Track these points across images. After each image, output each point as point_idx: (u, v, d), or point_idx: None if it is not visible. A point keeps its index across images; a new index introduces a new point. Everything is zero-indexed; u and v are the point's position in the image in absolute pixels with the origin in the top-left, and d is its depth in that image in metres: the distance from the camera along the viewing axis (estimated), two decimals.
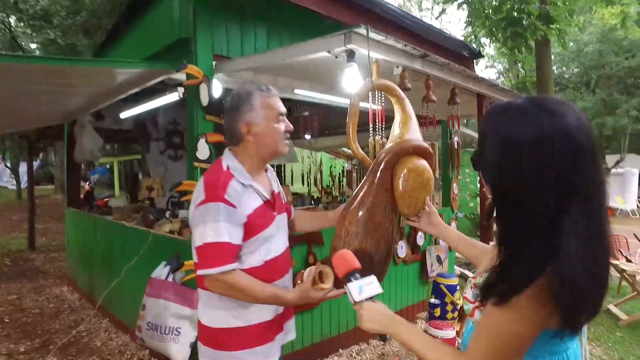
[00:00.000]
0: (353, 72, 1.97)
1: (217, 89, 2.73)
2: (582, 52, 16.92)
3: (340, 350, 3.45)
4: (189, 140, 2.83)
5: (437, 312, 2.66)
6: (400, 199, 1.38)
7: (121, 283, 3.33)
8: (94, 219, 4.38)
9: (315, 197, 6.91)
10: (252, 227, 1.39)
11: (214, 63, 2.77)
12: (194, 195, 1.40)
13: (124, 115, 4.55)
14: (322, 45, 1.98)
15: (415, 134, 1.45)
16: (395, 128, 1.49)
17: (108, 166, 15.19)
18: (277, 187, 1.60)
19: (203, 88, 2.64)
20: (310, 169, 9.48)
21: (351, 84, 1.97)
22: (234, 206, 1.33)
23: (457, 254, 6.86)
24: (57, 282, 5.53)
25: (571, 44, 16.90)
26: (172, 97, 3.53)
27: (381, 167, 1.37)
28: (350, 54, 1.95)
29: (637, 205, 14.29)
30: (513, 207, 0.82)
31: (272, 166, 1.88)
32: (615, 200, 13.45)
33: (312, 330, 3.21)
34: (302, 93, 3.51)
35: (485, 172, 0.90)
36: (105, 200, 6.66)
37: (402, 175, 1.36)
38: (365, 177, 1.42)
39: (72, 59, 3.40)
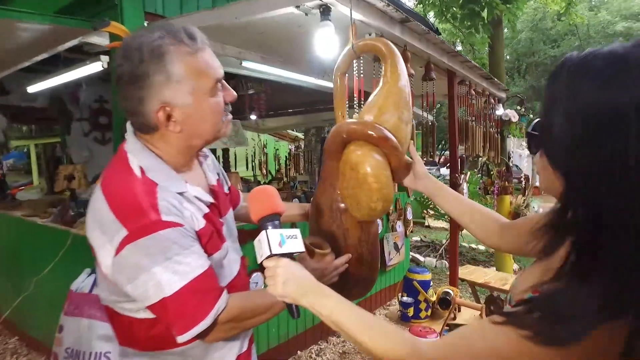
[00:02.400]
0: (328, 33, 1.58)
1: None
2: (515, 40, 17.78)
3: (298, 352, 3.25)
4: (115, 120, 2.31)
5: (411, 311, 2.43)
6: (344, 198, 1.10)
7: (34, 293, 2.74)
8: None
9: (262, 183, 6.49)
10: (204, 248, 0.94)
11: (145, 23, 2.24)
12: (95, 226, 0.89)
13: (32, 89, 3.79)
14: None
15: (395, 111, 1.07)
16: (370, 100, 1.12)
17: (26, 149, 13.56)
18: (214, 174, 1.12)
19: None
20: (255, 152, 8.96)
21: (325, 48, 1.58)
22: (180, 224, 0.88)
23: (413, 238, 6.91)
24: None
25: (505, 30, 17.71)
26: (94, 67, 2.92)
27: (324, 156, 1.11)
28: (325, 10, 1.56)
29: None
30: (612, 206, 0.52)
31: (212, 151, 1.37)
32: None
33: (268, 334, 2.94)
34: (252, 67, 3.07)
35: (559, 153, 0.58)
36: (20, 188, 5.81)
37: (341, 169, 1.09)
38: None
39: None
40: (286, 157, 8.96)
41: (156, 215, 0.85)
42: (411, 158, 1.18)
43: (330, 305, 0.78)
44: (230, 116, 1.01)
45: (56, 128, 7.49)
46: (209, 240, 0.96)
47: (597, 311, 0.52)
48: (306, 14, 1.62)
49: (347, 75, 1.28)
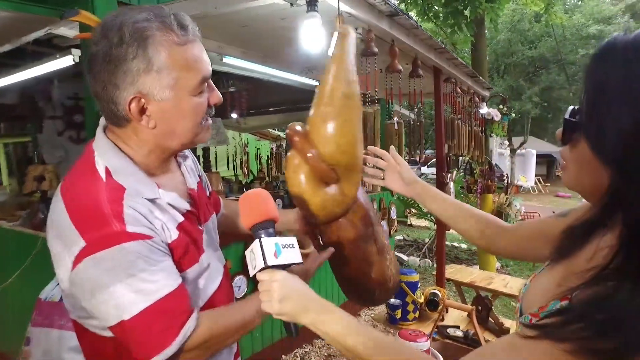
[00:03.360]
0: (315, 25, 1.50)
1: None
2: (495, 40, 18.10)
3: (283, 356, 3.20)
4: (88, 116, 2.17)
5: (398, 313, 2.37)
6: None
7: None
8: None
9: (244, 183, 6.36)
10: (179, 261, 0.85)
11: None
12: (53, 234, 0.80)
13: None
14: None
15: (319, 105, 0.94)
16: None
17: None
18: (194, 178, 1.01)
19: None
20: (236, 152, 8.79)
21: (311, 41, 1.50)
22: (148, 237, 0.78)
23: (397, 237, 6.89)
24: None
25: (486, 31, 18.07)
26: (64, 62, 2.76)
27: None
28: (312, 1, 1.48)
29: (535, 182, 16.04)
30: None
31: (192, 150, 1.22)
32: (520, 178, 14.88)
33: (252, 338, 2.85)
34: (234, 62, 2.96)
35: (613, 144, 0.51)
36: None
37: None
38: None
39: None
40: (268, 156, 8.83)
41: (120, 225, 0.75)
42: (397, 163, 1.12)
43: (334, 326, 0.70)
44: (210, 121, 0.91)
45: (27, 126, 7.20)
46: (184, 253, 0.86)
47: None
48: (291, 5, 1.54)
49: None
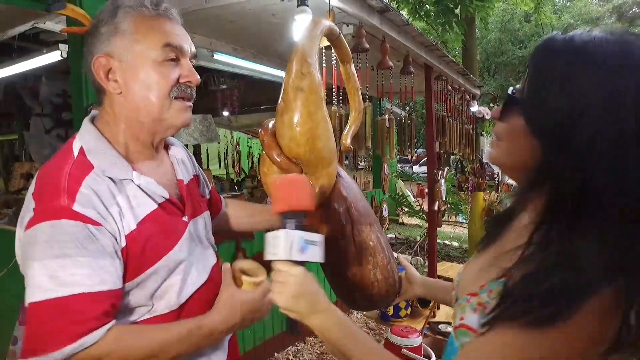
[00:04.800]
0: (307, 19, 1.49)
1: None
2: (485, 40, 18.22)
3: (275, 354, 3.18)
4: (76, 113, 2.12)
5: (390, 310, 2.38)
6: None
7: None
8: None
9: (235, 181, 6.32)
10: (142, 254, 0.81)
11: None
12: (23, 207, 0.80)
13: None
14: None
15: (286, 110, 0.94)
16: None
17: None
18: (187, 172, 1.01)
19: None
20: (227, 150, 8.74)
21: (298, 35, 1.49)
22: (95, 223, 0.75)
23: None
24: None
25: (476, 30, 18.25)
26: (52, 57, 2.72)
27: None
28: None
29: None
30: (600, 174, 0.55)
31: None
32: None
33: (243, 337, 2.83)
34: (225, 60, 2.94)
35: (541, 119, 0.60)
36: None
37: None
38: None
39: None
40: (259, 154, 8.80)
41: (68, 202, 0.74)
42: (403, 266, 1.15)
43: (338, 334, 0.71)
44: (188, 104, 0.90)
45: (15, 124, 7.08)
46: (147, 243, 0.82)
47: (584, 281, 0.52)
48: (282, 0, 1.52)
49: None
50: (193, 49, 0.90)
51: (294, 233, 0.72)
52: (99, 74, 0.83)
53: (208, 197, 1.11)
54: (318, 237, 0.76)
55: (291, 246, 0.72)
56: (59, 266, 0.71)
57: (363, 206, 1.11)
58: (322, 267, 1.07)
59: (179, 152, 1.02)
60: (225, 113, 5.43)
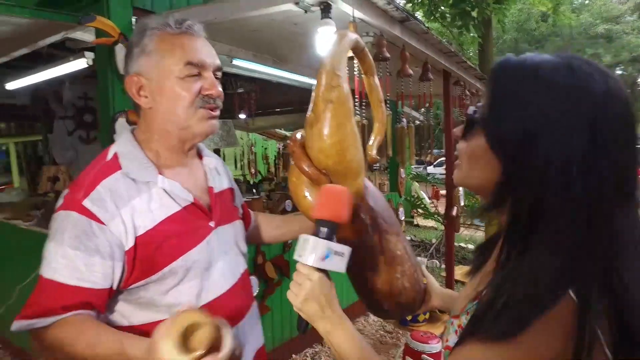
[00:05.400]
0: (329, 31, 1.52)
1: None
2: (501, 40, 17.99)
3: (293, 355, 3.22)
4: (102, 119, 2.20)
5: (409, 315, 2.39)
6: None
7: (17, 300, 2.62)
8: None
9: (251, 183, 6.38)
10: (159, 252, 0.87)
11: (133, 18, 2.14)
12: None
13: (11, 86, 3.64)
14: None
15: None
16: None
17: (4, 148, 13.16)
18: (219, 182, 1.07)
19: (120, 50, 2.00)
20: (243, 152, 8.83)
21: (325, 48, 1.52)
22: (98, 221, 0.82)
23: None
24: None
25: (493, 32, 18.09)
26: (78, 64, 2.80)
27: None
28: (326, 8, 1.50)
29: None
30: (556, 193, 0.57)
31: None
32: None
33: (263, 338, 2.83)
34: (243, 65, 2.99)
35: (501, 138, 0.62)
36: (1, 188, 5.61)
37: None
38: None
39: None
40: (275, 156, 8.85)
41: (82, 196, 0.83)
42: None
43: (342, 343, 0.75)
44: (213, 113, 0.95)
45: (38, 126, 7.27)
46: (167, 243, 0.88)
47: (538, 294, 0.54)
48: (305, 11, 1.56)
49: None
50: (217, 62, 0.95)
51: (322, 241, 0.76)
52: (131, 91, 0.92)
53: (237, 206, 1.15)
54: (345, 250, 0.79)
55: (316, 252, 0.75)
56: (54, 251, 0.82)
57: (389, 216, 1.13)
58: (349, 276, 1.10)
59: (212, 162, 1.07)
60: (242, 116, 5.50)
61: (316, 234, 0.77)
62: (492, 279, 0.62)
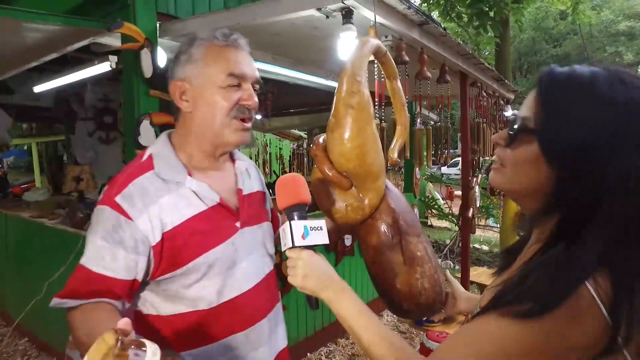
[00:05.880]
0: (351, 36, 1.56)
1: (161, 57, 2.18)
2: (518, 39, 17.73)
3: (308, 354, 3.25)
4: (127, 122, 2.27)
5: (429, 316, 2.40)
6: None
7: (45, 295, 2.72)
8: (4, 216, 3.60)
9: (267, 183, 6.43)
10: (185, 247, 0.92)
11: (158, 24, 2.20)
12: None
13: (39, 89, 3.76)
14: (310, 1, 1.54)
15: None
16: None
17: (26, 147, 13.54)
18: (249, 184, 1.10)
19: (145, 55, 2.07)
20: (258, 151, 8.93)
21: (347, 52, 1.56)
22: (127, 216, 0.88)
23: None
24: None
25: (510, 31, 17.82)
26: (102, 68, 2.89)
27: None
28: (347, 14, 1.53)
29: None
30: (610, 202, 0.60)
31: None
32: None
33: None
34: (261, 67, 3.04)
35: (558, 150, 0.64)
36: (23, 187, 5.77)
37: None
38: None
39: None
40: (290, 156, 8.92)
41: (115, 193, 0.90)
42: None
43: (346, 307, 0.79)
44: (246, 125, 1.00)
45: (57, 126, 7.46)
46: (192, 240, 0.93)
47: (568, 277, 0.56)
48: (327, 17, 1.60)
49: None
50: (257, 75, 1.00)
51: (296, 222, 0.83)
52: (174, 95, 0.97)
53: (267, 209, 1.19)
54: (321, 223, 0.85)
55: (295, 234, 0.82)
56: (89, 241, 0.90)
57: (410, 217, 1.15)
58: (371, 276, 1.13)
59: (243, 165, 1.12)
60: (258, 116, 5.56)
61: (289, 220, 0.83)
62: (521, 269, 0.65)
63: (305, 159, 8.13)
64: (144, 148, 2.12)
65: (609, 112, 0.60)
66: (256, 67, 1.01)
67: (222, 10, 2.17)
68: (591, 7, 17.54)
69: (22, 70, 3.12)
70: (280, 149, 9.57)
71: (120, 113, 4.86)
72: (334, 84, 3.69)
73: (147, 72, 2.09)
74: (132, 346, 0.54)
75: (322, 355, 3.26)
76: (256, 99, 0.99)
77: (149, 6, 2.18)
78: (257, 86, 1.01)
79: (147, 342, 0.56)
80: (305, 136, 9.08)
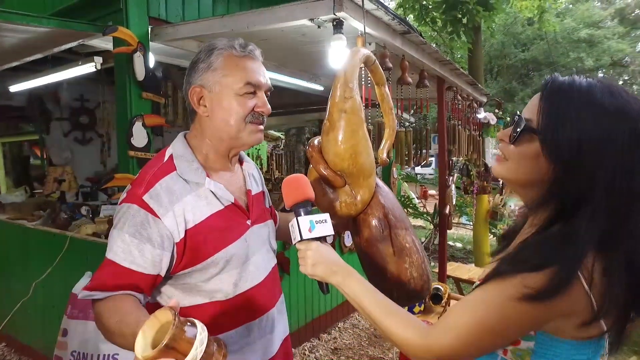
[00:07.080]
0: (342, 46, 1.66)
1: (152, 60, 2.22)
2: (488, 43, 18.31)
3: (292, 349, 3.25)
4: (120, 123, 2.30)
5: (405, 307, 2.54)
6: None
7: (33, 294, 2.69)
8: None
9: None
10: (205, 243, 1.00)
11: (149, 27, 2.25)
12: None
13: (15, 88, 3.67)
14: (303, 12, 1.64)
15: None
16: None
17: None
18: (256, 185, 1.19)
19: (138, 58, 2.11)
20: None
21: (337, 60, 1.67)
22: (154, 214, 0.94)
23: None
24: None
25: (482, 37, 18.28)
26: (86, 68, 2.89)
27: None
28: (338, 24, 1.64)
29: None
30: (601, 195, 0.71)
31: None
32: None
33: None
34: None
35: (558, 149, 0.74)
36: None
37: None
38: None
39: None
40: (267, 157, 8.94)
41: (143, 192, 0.96)
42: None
43: (354, 288, 0.88)
44: (260, 128, 1.07)
45: (23, 126, 7.20)
46: (211, 236, 1.01)
47: (572, 251, 0.67)
48: (319, 27, 1.70)
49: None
50: (269, 84, 1.09)
51: (302, 219, 0.91)
52: (192, 100, 1.03)
53: (268, 207, 1.28)
54: (325, 216, 0.94)
55: (302, 228, 0.90)
56: (116, 237, 0.94)
57: (399, 212, 1.27)
58: (363, 267, 1.24)
59: (250, 168, 1.21)
60: None
61: (296, 216, 0.93)
62: (517, 246, 0.77)
63: (283, 160, 8.18)
64: (136, 149, 2.17)
65: (601, 118, 0.71)
66: (268, 76, 1.09)
67: (217, 17, 2.23)
68: (555, 15, 18.33)
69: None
70: (258, 150, 9.56)
71: (99, 113, 4.79)
72: (316, 87, 3.79)
73: (140, 74, 2.14)
74: (186, 322, 0.65)
75: (305, 349, 3.31)
76: (269, 106, 1.08)
77: (141, 10, 2.22)
78: (269, 93, 1.10)
79: (194, 320, 0.67)
80: (283, 137, 9.12)
